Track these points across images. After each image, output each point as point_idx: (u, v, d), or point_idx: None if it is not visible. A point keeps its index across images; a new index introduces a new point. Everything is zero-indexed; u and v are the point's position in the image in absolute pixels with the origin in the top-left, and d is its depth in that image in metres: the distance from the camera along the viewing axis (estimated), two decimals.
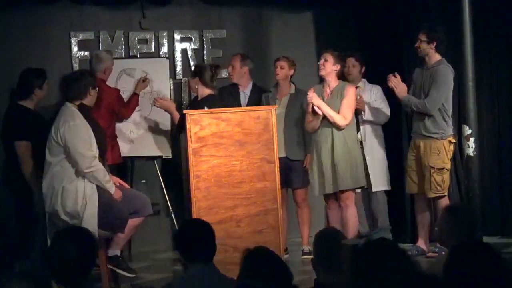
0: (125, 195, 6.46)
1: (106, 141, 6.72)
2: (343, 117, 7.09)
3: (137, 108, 7.90)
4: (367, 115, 7.78)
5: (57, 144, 6.23)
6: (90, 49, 8.23)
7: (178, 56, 8.64)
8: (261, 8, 8.89)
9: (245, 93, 7.97)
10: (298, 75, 8.02)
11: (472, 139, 6.83)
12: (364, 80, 8.02)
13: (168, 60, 8.31)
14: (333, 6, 8.92)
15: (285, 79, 7.69)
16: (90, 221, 6.09)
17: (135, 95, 7.79)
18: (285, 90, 7.72)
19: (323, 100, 7.15)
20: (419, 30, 7.38)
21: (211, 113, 6.57)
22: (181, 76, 8.65)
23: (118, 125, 7.79)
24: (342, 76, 7.49)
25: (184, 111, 6.79)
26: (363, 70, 8.00)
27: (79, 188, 6.19)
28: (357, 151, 7.22)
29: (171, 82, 8.40)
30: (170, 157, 8.09)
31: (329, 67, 7.18)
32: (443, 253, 6.01)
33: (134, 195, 6.64)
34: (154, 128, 8.04)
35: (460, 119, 7.44)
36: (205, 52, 8.70)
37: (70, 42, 8.34)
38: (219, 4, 8.75)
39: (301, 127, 7.54)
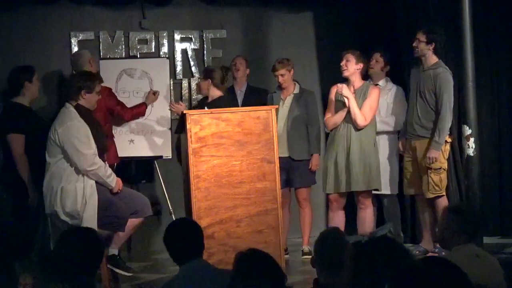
0: (125, 196, 6.46)
1: (106, 141, 6.72)
2: (364, 117, 7.09)
3: None
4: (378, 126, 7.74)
5: (55, 145, 6.24)
6: (90, 49, 8.21)
7: (178, 56, 8.64)
8: (261, 8, 8.89)
9: (241, 91, 8.02)
10: (298, 75, 8.03)
11: (472, 139, 6.83)
12: (387, 78, 7.95)
13: (168, 60, 8.31)
14: (333, 6, 8.93)
15: (290, 82, 7.70)
16: (90, 221, 6.10)
17: (143, 105, 7.79)
18: (289, 90, 7.72)
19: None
20: (418, 30, 7.37)
21: (211, 113, 6.56)
22: (181, 76, 8.66)
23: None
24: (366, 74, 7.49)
25: (184, 111, 6.79)
26: (387, 68, 7.93)
27: (78, 188, 6.19)
28: (372, 153, 7.17)
29: (171, 82, 8.40)
30: (170, 157, 8.09)
31: (352, 66, 7.17)
32: (443, 253, 6.01)
33: (134, 195, 6.65)
34: (154, 128, 8.04)
35: (460, 119, 7.44)
36: (205, 52, 8.70)
37: (70, 42, 8.34)
38: (219, 4, 8.75)
39: (305, 127, 7.55)
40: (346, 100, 7.09)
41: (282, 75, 7.62)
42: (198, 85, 8.15)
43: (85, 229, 4.07)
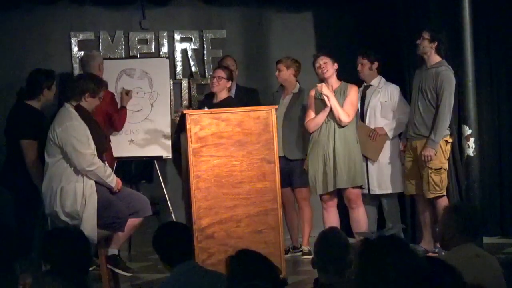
0: (125, 196, 6.46)
1: (105, 141, 6.72)
2: (347, 113, 7.10)
3: (137, 108, 7.91)
4: (389, 133, 7.73)
5: (54, 145, 6.23)
6: (90, 49, 8.23)
7: (178, 56, 8.64)
8: (261, 8, 8.89)
9: (231, 92, 8.04)
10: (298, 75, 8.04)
11: (472, 139, 6.83)
12: (380, 77, 7.90)
13: (168, 60, 8.30)
14: (333, 6, 8.93)
15: (286, 80, 7.72)
16: (90, 221, 6.10)
17: (123, 108, 7.78)
18: (289, 89, 7.77)
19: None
20: (422, 28, 7.35)
21: (211, 113, 6.57)
22: (181, 76, 8.66)
23: None
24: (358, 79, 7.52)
25: (185, 111, 6.79)
26: (375, 65, 7.86)
27: (77, 188, 6.19)
28: (356, 150, 7.19)
29: (171, 82, 8.40)
30: (170, 157, 8.09)
31: (331, 67, 7.20)
32: (443, 253, 6.01)
33: (134, 195, 6.64)
34: (154, 128, 8.04)
35: (460, 119, 7.43)
36: (205, 52, 8.70)
37: (70, 42, 8.34)
38: (219, 4, 8.76)
39: (300, 127, 7.56)
40: (326, 98, 7.09)
41: (279, 69, 7.71)
42: (210, 82, 8.02)
43: (68, 228, 4.07)
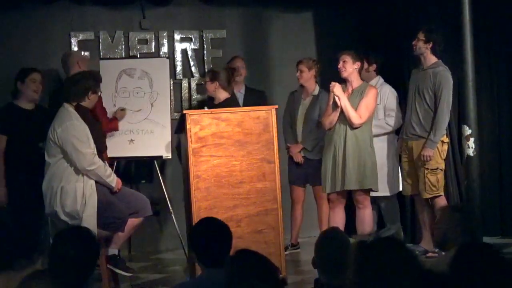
0: (125, 196, 6.47)
1: (104, 141, 6.73)
2: (358, 115, 7.04)
3: (137, 108, 7.91)
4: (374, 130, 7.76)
5: (54, 145, 6.24)
6: (90, 49, 8.23)
7: (178, 56, 8.64)
8: (261, 8, 8.89)
9: (240, 93, 8.05)
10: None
11: (472, 139, 6.83)
12: (379, 78, 7.94)
13: (168, 60, 8.30)
14: (333, 6, 8.93)
15: (307, 81, 7.76)
16: (90, 221, 6.10)
17: (115, 119, 7.76)
18: (310, 90, 7.81)
19: None
20: (419, 29, 7.38)
21: (211, 113, 6.57)
22: (181, 76, 8.66)
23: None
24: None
25: (184, 111, 6.79)
26: (372, 68, 7.91)
27: (78, 188, 6.20)
28: (368, 152, 7.06)
29: (171, 82, 8.40)
30: (170, 157, 8.09)
31: (350, 67, 7.10)
32: (443, 253, 6.01)
33: (134, 195, 6.65)
34: (154, 128, 8.03)
35: (460, 119, 7.44)
36: (205, 52, 8.70)
37: (70, 42, 8.34)
38: (219, 4, 8.75)
39: (320, 127, 7.57)
40: (337, 99, 7.06)
41: (300, 71, 7.74)
42: (204, 87, 8.03)
43: (79, 228, 4.05)
